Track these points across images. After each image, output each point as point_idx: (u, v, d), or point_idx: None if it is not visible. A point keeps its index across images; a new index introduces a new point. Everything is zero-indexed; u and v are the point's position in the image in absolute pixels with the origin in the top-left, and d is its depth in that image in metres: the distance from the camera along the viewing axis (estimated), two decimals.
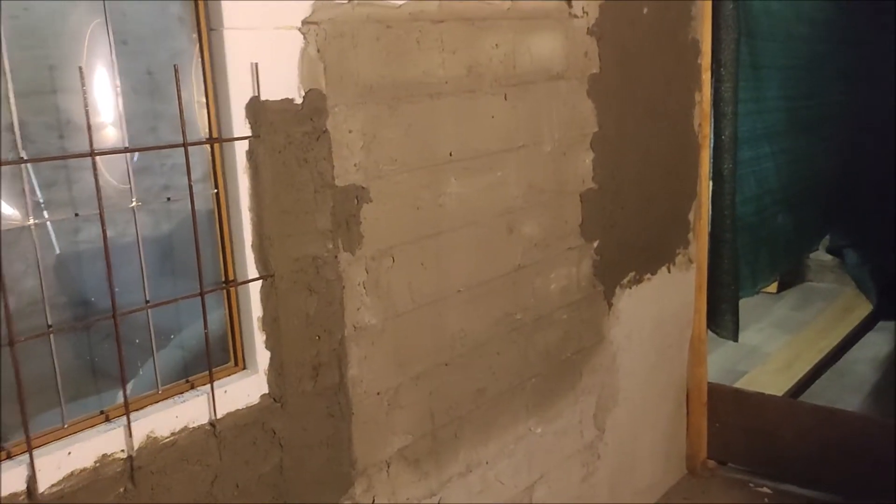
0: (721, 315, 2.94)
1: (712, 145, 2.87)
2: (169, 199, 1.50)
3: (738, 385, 3.87)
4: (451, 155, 1.88)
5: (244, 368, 1.54)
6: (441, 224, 1.88)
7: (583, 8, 2.22)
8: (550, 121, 2.16)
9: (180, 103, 1.34)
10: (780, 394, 3.77)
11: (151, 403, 1.40)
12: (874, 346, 4.36)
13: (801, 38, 3.74)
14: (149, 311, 1.40)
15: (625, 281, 2.56)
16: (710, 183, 2.90)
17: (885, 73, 4.39)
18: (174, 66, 1.32)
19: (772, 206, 3.56)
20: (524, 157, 2.10)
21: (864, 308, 4.86)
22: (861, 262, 4.96)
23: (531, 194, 2.14)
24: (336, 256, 1.64)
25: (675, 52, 2.65)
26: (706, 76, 2.80)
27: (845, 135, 4.42)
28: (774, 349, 4.39)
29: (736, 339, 2.95)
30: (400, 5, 1.72)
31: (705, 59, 2.79)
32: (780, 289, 5.36)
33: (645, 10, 2.47)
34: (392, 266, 1.77)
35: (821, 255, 5.23)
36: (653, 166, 2.61)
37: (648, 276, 2.68)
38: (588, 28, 2.25)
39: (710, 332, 3.03)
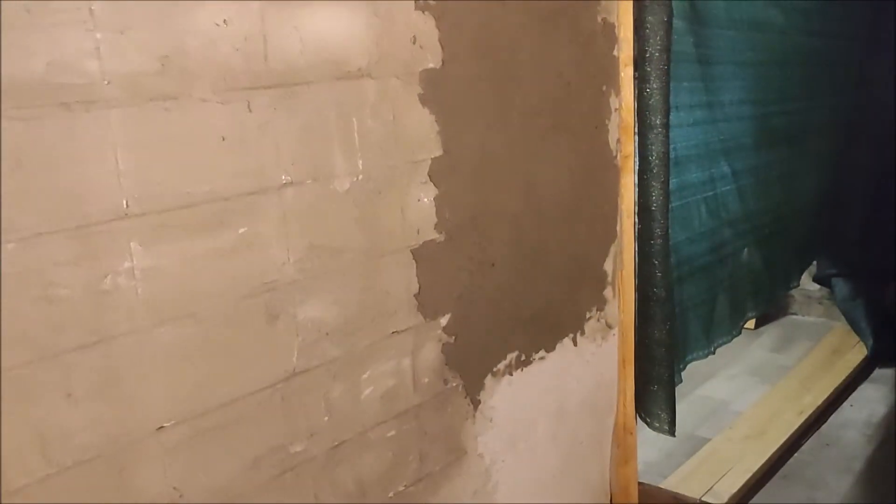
0: (652, 400, 2.16)
1: (636, 169, 2.09)
2: None
3: (695, 459, 3.11)
4: (126, 206, 1.12)
5: None
6: (112, 323, 1.11)
7: None
8: (349, 144, 1.40)
9: None
10: (749, 473, 3.02)
11: None
12: (868, 402, 3.58)
13: (774, 27, 2.97)
14: None
15: (500, 367, 1.79)
16: (636, 219, 2.13)
17: (882, 73, 3.63)
18: None
19: (734, 239, 2.80)
20: (296, 200, 1.33)
21: (857, 350, 4.09)
22: (852, 296, 4.19)
23: (316, 258, 1.37)
24: None
25: (576, 39, 1.88)
26: (627, 73, 2.03)
27: (834, 147, 3.65)
28: (746, 406, 3.61)
29: (672, 433, 2.17)
30: None
31: (625, 51, 2.02)
32: (759, 324, 4.59)
33: None
34: None
35: (806, 284, 4.46)
36: (544, 201, 1.84)
37: (542, 353, 1.91)
38: None
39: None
